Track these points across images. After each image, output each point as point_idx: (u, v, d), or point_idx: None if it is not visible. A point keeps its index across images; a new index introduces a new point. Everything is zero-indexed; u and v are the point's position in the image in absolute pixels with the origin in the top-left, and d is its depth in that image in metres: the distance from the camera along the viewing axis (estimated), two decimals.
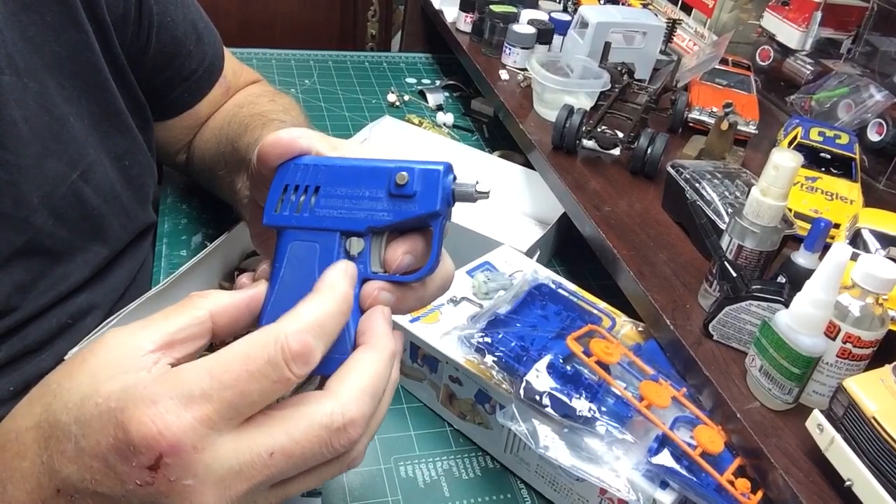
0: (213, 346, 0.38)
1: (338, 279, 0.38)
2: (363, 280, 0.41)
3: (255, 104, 0.79)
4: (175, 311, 0.37)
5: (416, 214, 0.41)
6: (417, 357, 0.69)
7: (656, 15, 1.17)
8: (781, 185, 0.61)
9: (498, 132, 1.19)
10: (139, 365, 0.34)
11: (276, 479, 0.35)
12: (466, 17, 1.26)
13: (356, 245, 0.41)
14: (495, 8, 1.20)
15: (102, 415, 0.33)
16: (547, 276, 0.74)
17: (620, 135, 0.89)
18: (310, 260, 0.40)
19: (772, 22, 1.11)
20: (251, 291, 0.40)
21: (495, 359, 0.63)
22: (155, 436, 0.32)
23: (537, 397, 0.58)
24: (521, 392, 0.59)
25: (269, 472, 0.34)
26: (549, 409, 0.58)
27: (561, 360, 0.61)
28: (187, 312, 0.37)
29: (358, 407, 0.36)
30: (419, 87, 1.34)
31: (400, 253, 0.41)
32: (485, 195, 0.42)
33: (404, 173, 0.40)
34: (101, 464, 0.33)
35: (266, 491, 0.36)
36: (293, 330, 0.34)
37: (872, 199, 0.84)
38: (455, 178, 0.42)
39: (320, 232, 0.41)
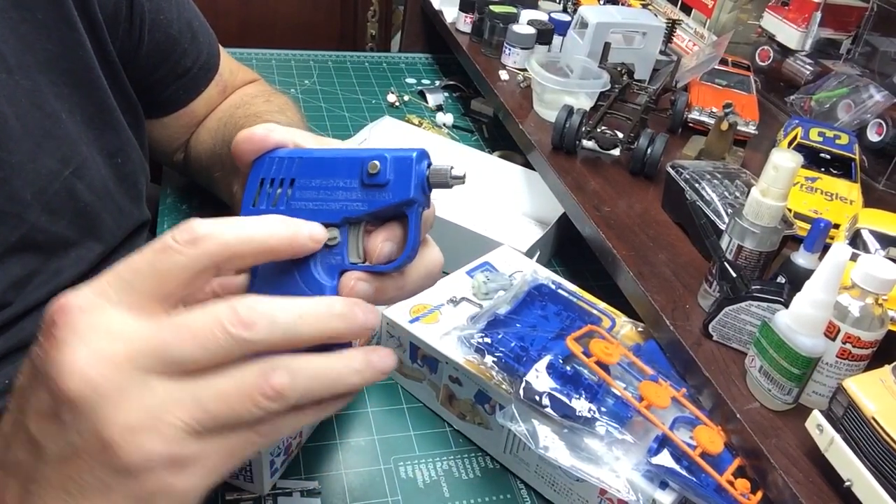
0: None
1: (343, 307, 0.38)
2: (340, 272, 0.40)
3: (251, 105, 0.79)
4: None
5: (390, 203, 0.40)
6: (417, 357, 0.69)
7: (656, 15, 1.17)
8: (781, 185, 0.61)
9: (498, 132, 1.19)
10: None
11: (167, 358, 0.33)
12: (466, 17, 1.26)
13: (332, 236, 0.40)
14: (495, 8, 1.19)
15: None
16: (547, 276, 0.74)
17: (620, 135, 0.89)
18: None
19: (771, 22, 1.11)
20: (235, 281, 0.40)
21: (495, 359, 0.63)
22: (53, 305, 0.34)
23: (537, 398, 0.58)
24: (521, 392, 0.59)
25: (154, 342, 0.33)
26: (548, 410, 0.58)
27: (561, 361, 0.61)
28: None
29: (256, 300, 0.35)
30: (419, 88, 1.34)
31: (379, 241, 0.41)
32: (460, 180, 0.41)
33: (376, 162, 0.40)
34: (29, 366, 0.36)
35: (169, 382, 0.33)
36: (253, 301, 0.34)
37: (872, 199, 0.84)
38: (430, 165, 0.41)
39: None
